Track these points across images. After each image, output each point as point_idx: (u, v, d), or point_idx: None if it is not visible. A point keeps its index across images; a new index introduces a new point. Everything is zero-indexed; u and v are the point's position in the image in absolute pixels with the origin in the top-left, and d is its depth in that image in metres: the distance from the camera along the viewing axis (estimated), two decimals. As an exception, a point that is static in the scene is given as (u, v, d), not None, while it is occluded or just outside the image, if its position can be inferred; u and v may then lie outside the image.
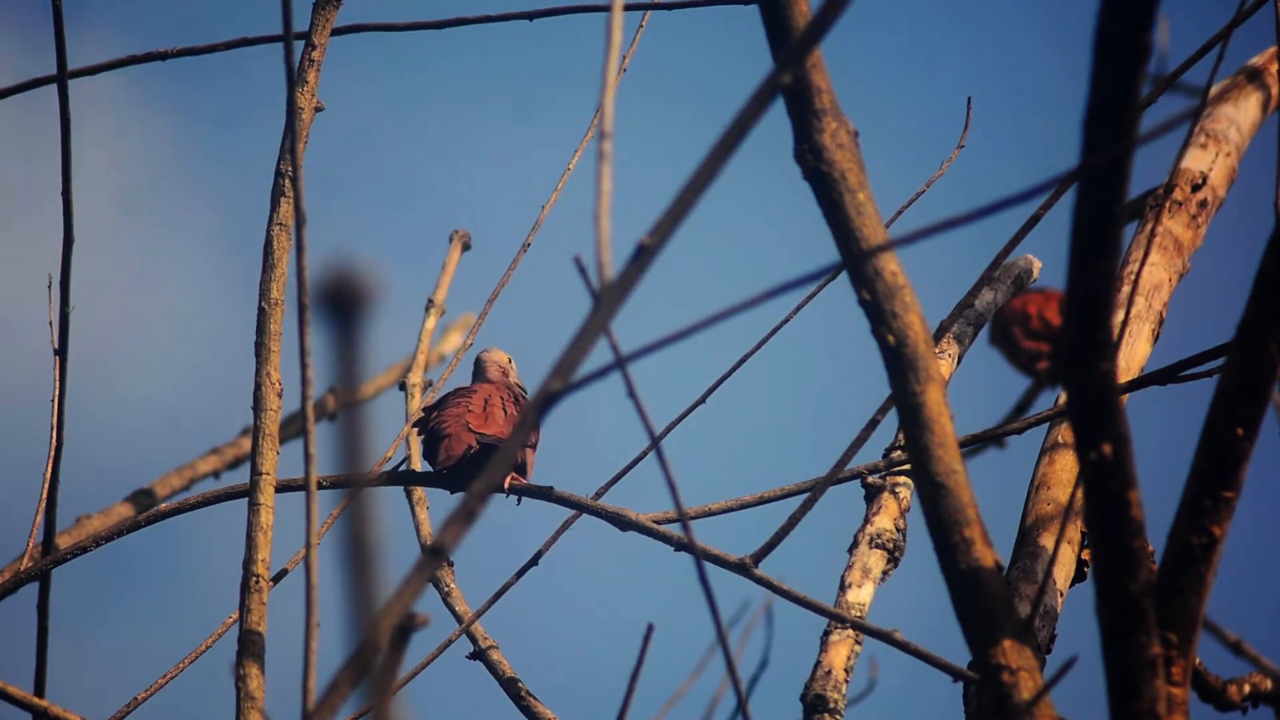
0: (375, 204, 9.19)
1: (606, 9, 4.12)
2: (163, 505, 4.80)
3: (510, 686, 5.15)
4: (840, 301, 4.99)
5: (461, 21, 5.23)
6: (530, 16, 5.22)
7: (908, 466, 4.97)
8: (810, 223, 3.72)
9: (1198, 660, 5.16)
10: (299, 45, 4.73)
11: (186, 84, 9.30)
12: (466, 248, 6.38)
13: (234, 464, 7.69)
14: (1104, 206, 3.17)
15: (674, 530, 4.64)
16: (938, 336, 5.45)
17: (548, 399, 2.66)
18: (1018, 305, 8.38)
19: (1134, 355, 5.48)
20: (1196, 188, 5.81)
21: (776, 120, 3.73)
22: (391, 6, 5.41)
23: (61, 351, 4.91)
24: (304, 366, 3.33)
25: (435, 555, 2.59)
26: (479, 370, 5.36)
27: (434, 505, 5.57)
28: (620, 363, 2.84)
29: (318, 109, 4.70)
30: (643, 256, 2.71)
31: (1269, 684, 5.21)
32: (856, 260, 3.66)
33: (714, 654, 4.82)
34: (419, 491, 5.55)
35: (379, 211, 9.19)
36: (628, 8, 5.33)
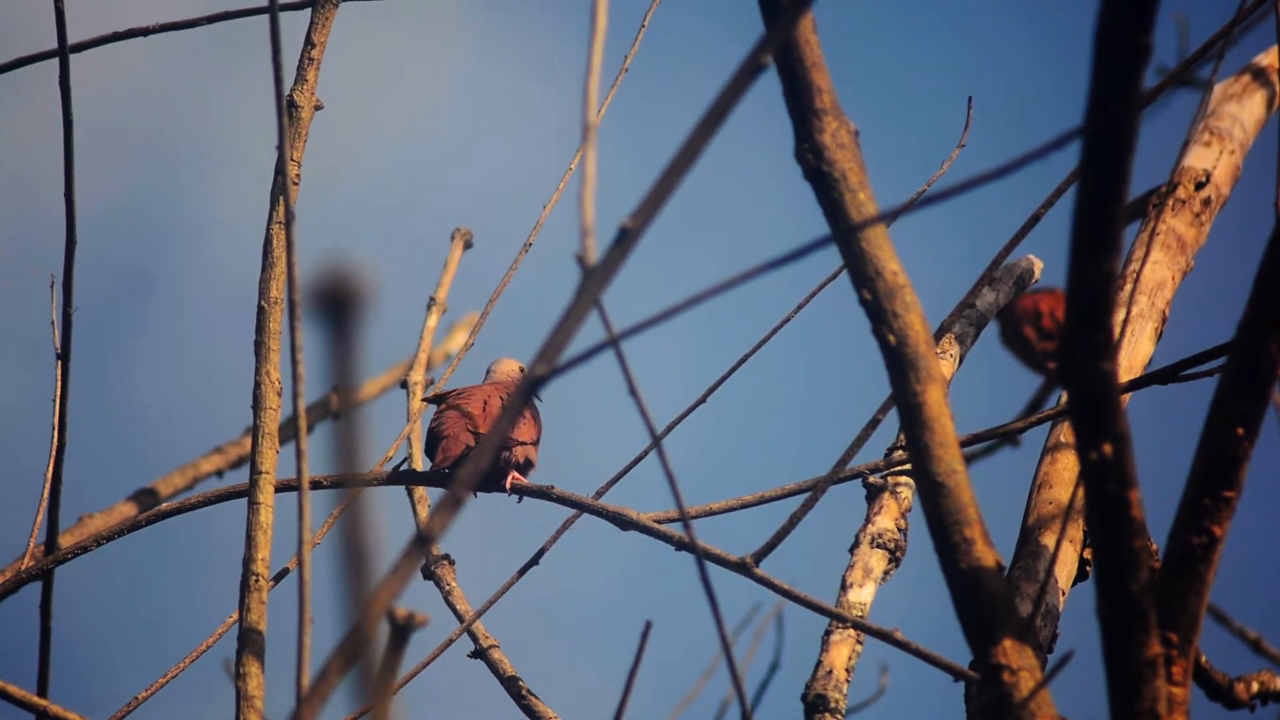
0: (377, 202, 9.19)
1: None
2: (164, 505, 4.80)
3: (511, 685, 5.15)
4: (841, 301, 4.98)
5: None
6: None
7: (909, 466, 4.96)
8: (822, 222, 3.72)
9: (1203, 658, 5.15)
10: (301, 45, 4.72)
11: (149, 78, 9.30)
12: (468, 246, 6.38)
13: (237, 463, 7.68)
14: (1104, 206, 3.16)
15: (675, 530, 4.64)
16: (939, 336, 5.44)
17: (534, 383, 2.67)
18: (1029, 304, 8.38)
19: (1136, 354, 5.48)
20: (1200, 185, 5.80)
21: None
22: (392, 5, 5.41)
23: (64, 352, 4.91)
24: (295, 363, 3.33)
25: (423, 542, 2.59)
26: (489, 379, 5.36)
27: (434, 504, 5.56)
28: (613, 340, 2.85)
29: (317, 107, 4.69)
30: (626, 239, 2.73)
31: (1278, 682, 5.19)
32: (857, 259, 3.65)
33: (720, 658, 4.82)
34: (420, 490, 5.55)
35: (381, 209, 9.19)
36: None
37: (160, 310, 8.99)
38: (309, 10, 4.73)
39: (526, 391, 2.71)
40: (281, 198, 4.54)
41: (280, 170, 4.53)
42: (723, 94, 2.78)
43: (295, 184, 4.59)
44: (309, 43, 4.70)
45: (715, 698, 4.75)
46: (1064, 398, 5.21)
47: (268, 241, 4.56)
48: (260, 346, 4.50)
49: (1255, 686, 5.18)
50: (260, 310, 4.51)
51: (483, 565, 5.49)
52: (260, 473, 4.36)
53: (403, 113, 9.51)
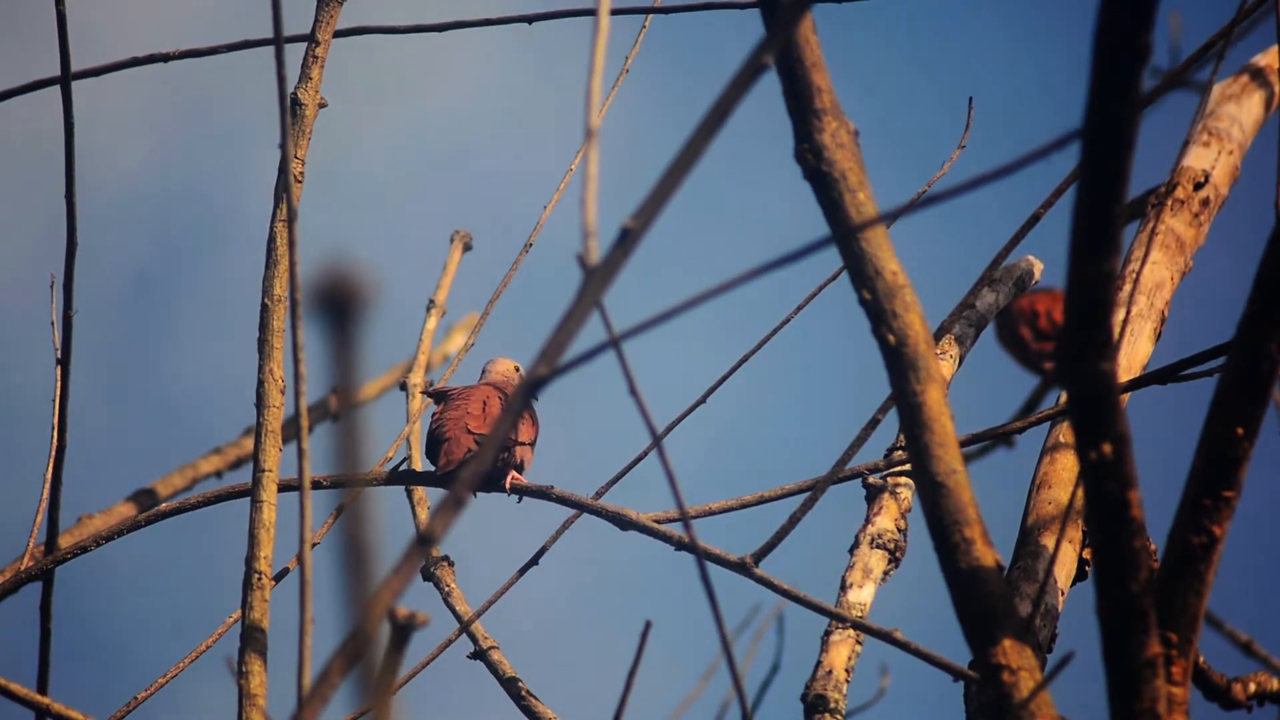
0: (378, 201, 9.19)
1: (612, 12, 4.12)
2: (163, 505, 4.81)
3: (511, 686, 5.15)
4: (841, 301, 4.99)
5: (462, 24, 5.24)
6: (530, 20, 5.23)
7: (908, 466, 4.96)
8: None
9: (1201, 659, 5.15)
10: (304, 43, 4.73)
11: (175, 88, 9.31)
12: (468, 248, 6.38)
13: (236, 464, 7.68)
14: (1104, 206, 3.17)
15: (675, 530, 4.64)
16: (938, 337, 5.44)
17: (534, 384, 2.67)
18: (1025, 304, 8.39)
19: (1135, 354, 5.48)
20: (1199, 186, 5.80)
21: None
22: (394, 7, 5.42)
23: (64, 354, 4.91)
24: (297, 362, 3.33)
25: (424, 543, 2.60)
26: (484, 379, 5.36)
27: (435, 505, 5.56)
28: (614, 341, 2.85)
29: (321, 105, 4.70)
30: (627, 239, 2.73)
31: (1275, 683, 5.19)
32: (857, 259, 3.66)
33: (720, 659, 4.82)
34: (419, 491, 5.55)
35: (382, 208, 9.19)
36: (632, 10, 5.33)
37: (161, 310, 8.99)
38: (314, 20, 4.75)
39: (527, 392, 2.72)
40: (285, 195, 4.55)
41: (283, 168, 4.53)
42: (724, 94, 2.78)
43: (299, 182, 4.59)
44: (313, 41, 4.71)
45: (716, 699, 4.76)
46: (1063, 398, 5.21)
47: (271, 239, 4.56)
48: (263, 344, 4.50)
49: (1252, 687, 5.18)
50: (264, 308, 4.51)
51: (482, 566, 5.49)
52: (263, 471, 4.37)
53: (404, 112, 9.51)
